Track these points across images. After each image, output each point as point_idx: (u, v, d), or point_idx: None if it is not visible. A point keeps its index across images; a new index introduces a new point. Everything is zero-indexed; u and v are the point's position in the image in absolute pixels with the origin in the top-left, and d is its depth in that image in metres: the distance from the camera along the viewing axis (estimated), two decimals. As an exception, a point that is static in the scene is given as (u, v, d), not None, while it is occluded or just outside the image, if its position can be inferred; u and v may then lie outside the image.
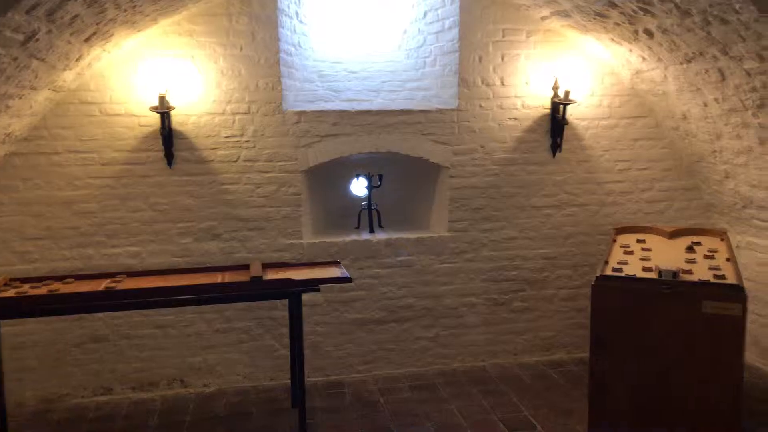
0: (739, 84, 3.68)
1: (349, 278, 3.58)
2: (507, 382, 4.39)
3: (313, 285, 3.41)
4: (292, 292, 3.37)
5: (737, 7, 3.03)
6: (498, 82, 4.45)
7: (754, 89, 3.60)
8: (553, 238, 4.70)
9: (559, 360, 4.73)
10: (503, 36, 4.40)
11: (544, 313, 4.77)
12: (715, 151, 4.37)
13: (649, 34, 3.78)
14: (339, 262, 3.89)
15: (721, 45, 3.46)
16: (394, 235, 4.55)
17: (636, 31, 3.85)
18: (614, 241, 4.06)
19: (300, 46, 4.48)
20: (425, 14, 4.62)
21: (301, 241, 4.35)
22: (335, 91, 4.57)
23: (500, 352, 4.73)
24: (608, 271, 3.42)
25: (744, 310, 3.06)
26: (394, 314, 4.54)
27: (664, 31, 3.67)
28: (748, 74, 3.54)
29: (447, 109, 4.44)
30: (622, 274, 3.37)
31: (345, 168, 4.77)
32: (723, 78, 3.75)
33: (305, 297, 3.52)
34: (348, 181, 4.91)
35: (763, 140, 3.87)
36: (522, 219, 4.63)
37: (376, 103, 4.47)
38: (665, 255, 3.73)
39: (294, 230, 4.33)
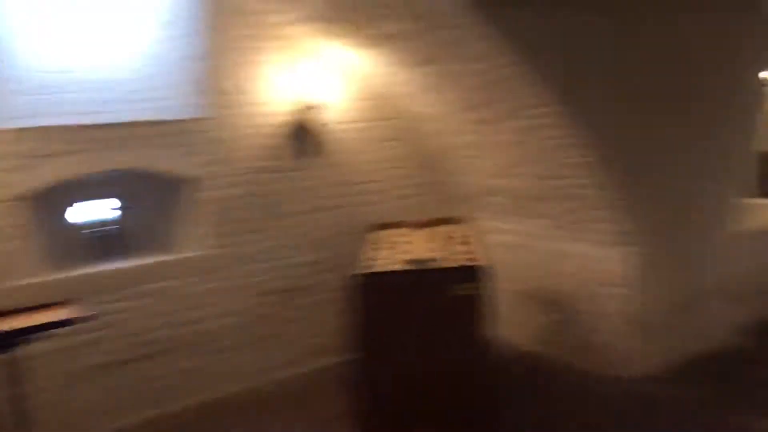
0: (467, 84, 3.97)
1: (76, 319, 3.02)
2: (282, 397, 4.23)
3: (29, 334, 2.83)
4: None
5: (461, 12, 3.24)
6: (244, 90, 4.26)
7: (477, 88, 3.92)
8: (312, 244, 4.64)
9: (332, 364, 4.60)
10: (248, 42, 4.24)
11: (313, 320, 4.67)
12: (452, 147, 4.72)
13: (391, 38, 3.89)
14: (71, 301, 3.31)
15: (452, 48, 3.69)
16: (144, 261, 4.10)
17: (379, 36, 3.93)
18: (369, 238, 4.13)
19: (9, 55, 3.80)
20: (165, 21, 4.23)
21: (24, 281, 3.67)
22: (61, 104, 3.96)
23: (275, 367, 4.53)
24: (362, 269, 3.42)
25: (480, 289, 3.24)
26: (151, 348, 4.06)
27: (403, 36, 3.80)
28: (474, 75, 3.83)
29: (192, 119, 4.12)
30: (375, 270, 3.40)
31: (80, 191, 4.16)
32: (454, 79, 4.01)
33: (33, 347, 2.92)
34: (86, 205, 4.30)
35: (485, 134, 4.25)
36: (279, 227, 4.50)
37: (112, 116, 3.97)
38: (417, 246, 3.89)
39: (14, 269, 3.64)
